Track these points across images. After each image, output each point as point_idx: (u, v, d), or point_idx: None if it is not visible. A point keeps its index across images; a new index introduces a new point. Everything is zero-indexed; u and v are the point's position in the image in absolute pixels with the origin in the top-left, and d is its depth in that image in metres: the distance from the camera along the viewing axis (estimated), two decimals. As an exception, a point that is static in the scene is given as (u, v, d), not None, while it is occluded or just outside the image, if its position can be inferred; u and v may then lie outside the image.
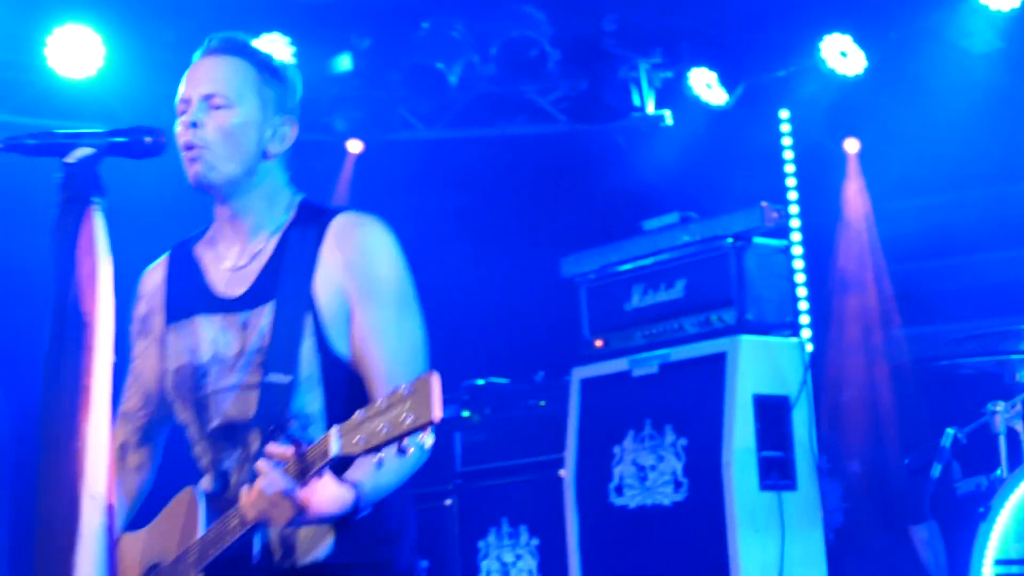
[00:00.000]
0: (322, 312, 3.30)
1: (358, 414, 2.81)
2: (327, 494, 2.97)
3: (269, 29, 8.05)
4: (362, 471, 3.06)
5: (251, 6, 7.89)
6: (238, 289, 3.40)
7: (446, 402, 6.73)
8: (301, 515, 2.96)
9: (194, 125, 3.32)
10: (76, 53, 7.85)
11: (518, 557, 6.98)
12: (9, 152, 3.09)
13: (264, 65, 3.43)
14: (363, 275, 3.32)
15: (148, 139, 3.18)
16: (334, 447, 2.82)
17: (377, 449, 2.76)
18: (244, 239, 3.43)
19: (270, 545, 3.21)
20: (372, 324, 3.30)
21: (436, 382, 2.71)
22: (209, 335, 3.38)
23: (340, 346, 3.31)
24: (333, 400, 3.30)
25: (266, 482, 2.93)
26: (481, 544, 7.14)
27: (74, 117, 7.85)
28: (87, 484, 2.93)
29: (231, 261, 3.44)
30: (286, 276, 3.33)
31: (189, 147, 3.31)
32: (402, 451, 2.75)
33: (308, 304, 3.30)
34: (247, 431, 3.30)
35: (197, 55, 3.44)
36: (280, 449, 2.94)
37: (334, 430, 2.84)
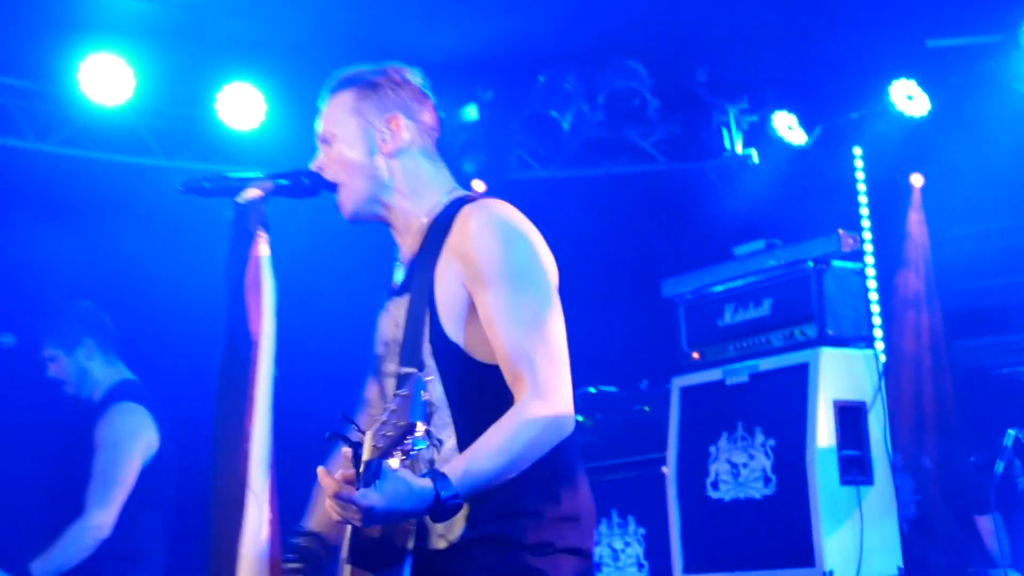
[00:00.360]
0: (438, 301, 3.03)
1: (382, 417, 2.62)
2: (392, 492, 2.66)
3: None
4: (451, 463, 2.81)
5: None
6: (398, 282, 3.23)
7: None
8: (370, 514, 2.66)
9: (320, 168, 3.24)
10: (242, 108, 7.97)
11: (627, 544, 6.95)
12: (188, 194, 3.15)
13: (361, 83, 3.27)
14: (474, 261, 3.00)
15: (306, 181, 3.23)
16: (366, 452, 2.62)
17: (387, 453, 2.60)
18: (405, 234, 3.24)
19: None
20: (487, 308, 2.97)
21: (413, 383, 2.55)
22: (382, 323, 3.24)
23: (454, 333, 3.02)
24: (451, 386, 3.01)
25: (324, 486, 2.72)
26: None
27: (240, 163, 7.96)
28: (250, 480, 2.96)
29: (402, 255, 3.26)
30: (418, 269, 3.11)
31: (331, 188, 3.23)
32: (408, 455, 2.60)
33: (429, 295, 3.04)
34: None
35: (319, 104, 3.33)
36: (344, 452, 2.69)
37: (369, 434, 2.64)
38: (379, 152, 3.20)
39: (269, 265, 3.09)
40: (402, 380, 2.90)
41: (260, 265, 3.09)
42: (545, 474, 2.98)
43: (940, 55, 7.79)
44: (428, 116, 3.30)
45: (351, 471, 2.67)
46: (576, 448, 3.10)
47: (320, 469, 2.75)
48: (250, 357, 3.06)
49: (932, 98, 7.98)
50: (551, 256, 3.12)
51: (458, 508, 2.78)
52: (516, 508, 2.98)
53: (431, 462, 2.96)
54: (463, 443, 2.96)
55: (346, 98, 3.25)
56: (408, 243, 3.22)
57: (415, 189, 3.22)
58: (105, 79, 7.50)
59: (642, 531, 6.90)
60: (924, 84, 7.99)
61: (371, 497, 2.64)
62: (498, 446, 2.84)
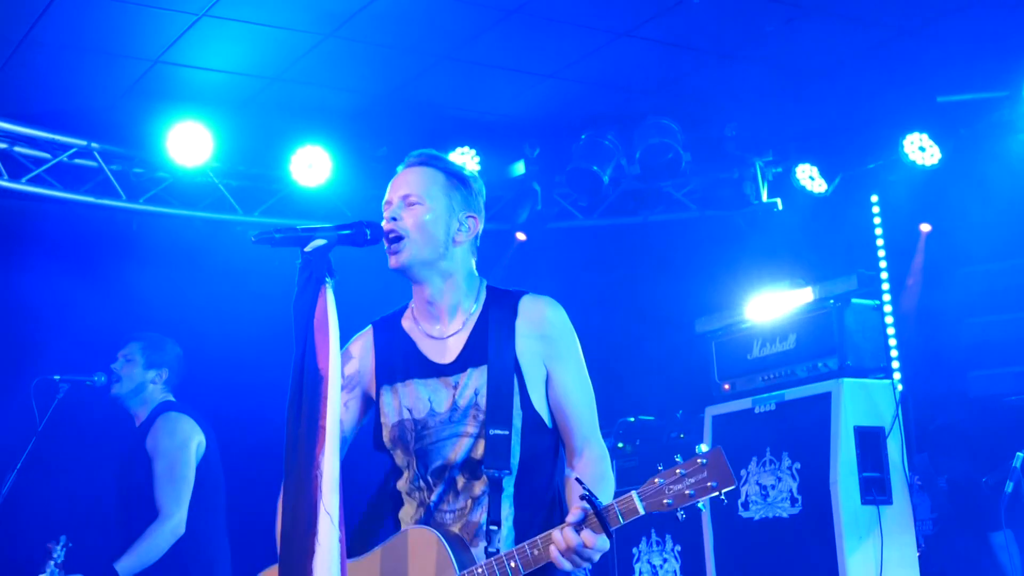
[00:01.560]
0: (525, 374, 3.31)
1: (657, 480, 2.95)
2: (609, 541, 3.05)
3: (460, 144, 8.21)
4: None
5: (446, 126, 8.05)
6: (447, 357, 3.37)
7: (605, 435, 6.75)
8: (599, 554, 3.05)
9: (394, 219, 3.34)
10: (311, 168, 8.06)
11: (664, 560, 6.93)
12: (261, 244, 3.19)
13: (451, 173, 3.46)
14: (554, 344, 3.36)
15: (368, 231, 3.25)
16: (640, 508, 2.96)
17: (679, 508, 2.94)
18: (446, 316, 3.41)
19: None
20: (565, 383, 3.34)
21: (724, 455, 2.90)
22: (425, 395, 3.35)
23: (537, 402, 3.33)
24: (527, 447, 3.31)
25: (579, 539, 3.00)
26: (635, 550, 7.11)
27: (309, 217, 8.03)
28: (324, 503, 2.98)
29: (437, 334, 3.42)
30: (493, 346, 3.32)
31: (390, 238, 3.33)
32: (694, 507, 2.94)
33: (514, 368, 3.30)
34: (456, 471, 3.28)
35: (400, 167, 3.47)
36: (579, 509, 3.01)
37: (635, 495, 2.97)
38: (452, 237, 3.39)
39: (334, 306, 3.12)
40: (492, 440, 3.24)
41: (327, 307, 3.12)
42: (558, 501, 3.45)
43: (950, 109, 7.78)
44: (482, 226, 3.53)
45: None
46: None
47: (568, 530, 3.05)
48: (319, 391, 3.08)
49: (943, 149, 7.95)
50: None
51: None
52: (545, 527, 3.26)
53: (486, 494, 3.27)
54: (518, 484, 3.31)
55: (439, 177, 3.43)
56: (446, 320, 3.42)
57: (465, 278, 3.45)
58: (189, 143, 7.62)
59: (679, 548, 6.89)
60: (935, 136, 7.97)
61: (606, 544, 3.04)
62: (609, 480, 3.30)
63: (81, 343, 6.89)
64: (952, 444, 7.21)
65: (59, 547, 5.30)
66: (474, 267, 3.49)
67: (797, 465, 6.16)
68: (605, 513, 2.98)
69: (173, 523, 5.44)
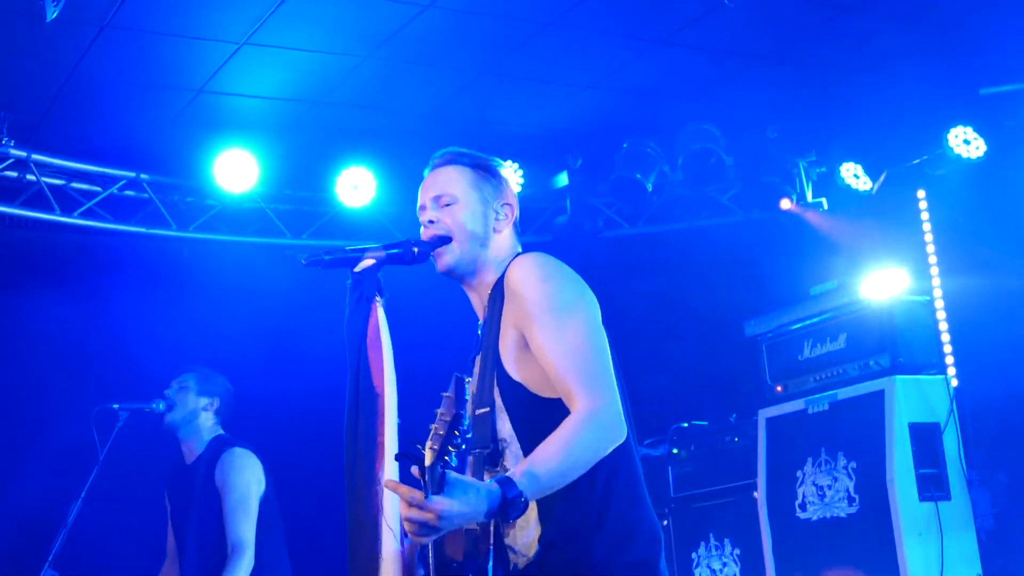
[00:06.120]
0: (501, 345, 3.15)
1: (434, 426, 2.68)
2: (461, 495, 2.72)
3: (502, 158, 8.24)
4: (515, 468, 2.87)
5: (487, 141, 8.11)
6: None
7: (659, 443, 6.71)
8: (446, 518, 2.71)
9: (432, 222, 3.32)
10: (356, 188, 8.16)
11: (724, 564, 6.94)
12: (311, 266, 3.26)
13: (477, 166, 3.40)
14: (520, 301, 3.12)
15: (416, 249, 3.30)
16: (427, 459, 2.67)
17: (442, 453, 2.64)
18: (480, 295, 3.36)
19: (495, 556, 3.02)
20: (536, 338, 3.06)
21: (456, 383, 2.63)
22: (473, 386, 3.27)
23: (515, 373, 3.12)
24: (517, 421, 3.11)
25: (400, 495, 2.76)
26: (694, 555, 7.12)
27: (356, 237, 8.11)
28: (385, 518, 3.04)
29: (481, 314, 3.36)
30: (488, 323, 3.22)
31: (435, 240, 3.30)
32: (456, 448, 2.63)
33: (496, 342, 3.16)
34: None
35: (426, 171, 3.44)
36: (413, 471, 2.72)
37: (427, 444, 2.68)
38: (491, 227, 3.34)
39: (386, 324, 3.18)
40: (477, 420, 3.07)
41: (379, 325, 3.19)
42: (604, 496, 3.06)
43: (993, 101, 7.75)
44: (517, 205, 3.48)
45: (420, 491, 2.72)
46: (634, 470, 3.15)
47: (389, 480, 2.84)
48: (376, 409, 3.14)
49: (988, 141, 7.92)
50: (589, 290, 3.21)
51: (524, 506, 2.81)
52: (581, 527, 3.04)
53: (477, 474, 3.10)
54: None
55: (466, 173, 3.38)
56: (482, 303, 3.35)
57: (501, 260, 3.35)
58: (235, 170, 7.75)
59: (738, 551, 6.89)
60: (979, 128, 7.94)
61: (443, 502, 2.70)
62: (556, 449, 2.90)
63: (138, 372, 7.00)
64: (1011, 439, 7.17)
65: None
66: (515, 245, 3.41)
67: (853, 464, 6.15)
68: (423, 469, 2.68)
69: (249, 556, 5.56)
